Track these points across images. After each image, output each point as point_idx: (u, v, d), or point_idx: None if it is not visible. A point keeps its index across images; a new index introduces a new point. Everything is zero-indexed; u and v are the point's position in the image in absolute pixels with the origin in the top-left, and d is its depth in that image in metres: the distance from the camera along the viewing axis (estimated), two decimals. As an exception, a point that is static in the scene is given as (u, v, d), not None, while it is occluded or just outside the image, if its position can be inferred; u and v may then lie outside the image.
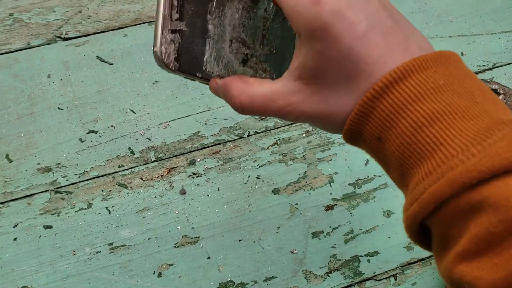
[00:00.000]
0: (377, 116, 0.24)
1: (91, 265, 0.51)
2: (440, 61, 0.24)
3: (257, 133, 0.60)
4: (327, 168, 0.58)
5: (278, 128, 0.60)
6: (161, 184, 0.56)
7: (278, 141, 0.59)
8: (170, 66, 0.27)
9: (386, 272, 0.53)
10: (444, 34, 0.69)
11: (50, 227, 0.52)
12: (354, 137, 0.26)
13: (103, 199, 0.54)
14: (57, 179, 0.55)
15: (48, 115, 0.59)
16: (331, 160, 0.59)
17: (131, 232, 0.53)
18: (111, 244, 0.52)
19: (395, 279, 0.53)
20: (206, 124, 0.60)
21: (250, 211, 0.55)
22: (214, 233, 0.53)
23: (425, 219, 0.23)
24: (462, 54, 0.68)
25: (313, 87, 0.26)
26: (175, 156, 0.57)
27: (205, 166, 0.57)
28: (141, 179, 0.56)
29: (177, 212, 0.54)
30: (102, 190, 0.55)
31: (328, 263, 0.53)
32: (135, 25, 0.67)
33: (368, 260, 0.53)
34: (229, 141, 0.59)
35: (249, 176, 0.57)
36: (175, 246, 0.52)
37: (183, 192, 0.55)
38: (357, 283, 0.52)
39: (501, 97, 0.58)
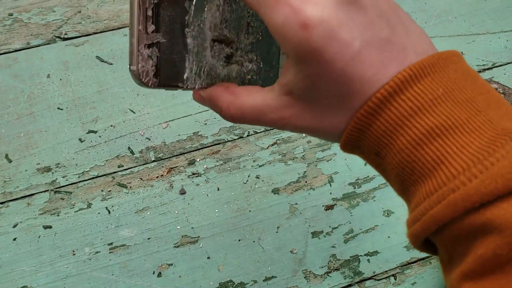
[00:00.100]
0: (373, 133, 0.23)
1: (91, 265, 0.51)
2: (438, 65, 0.23)
3: (257, 132, 0.60)
4: (327, 168, 0.58)
5: (277, 127, 0.60)
6: (160, 184, 0.56)
7: (277, 141, 0.59)
8: (149, 84, 0.25)
9: (386, 271, 0.53)
10: (444, 33, 0.69)
11: (50, 227, 0.52)
12: (352, 150, 0.25)
13: (103, 199, 0.54)
14: (56, 179, 0.55)
15: (48, 115, 0.59)
16: (331, 159, 0.59)
17: (131, 232, 0.53)
18: (111, 244, 0.52)
19: (395, 279, 0.53)
20: (205, 124, 0.60)
21: (249, 211, 0.55)
22: (213, 233, 0.53)
23: (428, 237, 0.23)
24: (462, 53, 0.68)
25: (305, 103, 0.24)
26: (174, 156, 0.57)
27: (205, 166, 0.57)
28: (141, 179, 0.56)
29: (176, 212, 0.54)
30: (102, 190, 0.55)
31: (328, 263, 0.53)
32: (134, 25, 0.67)
33: (368, 260, 0.53)
34: (228, 141, 0.59)
35: (248, 176, 0.57)
36: (174, 246, 0.52)
37: (182, 192, 0.55)
38: (357, 282, 0.52)
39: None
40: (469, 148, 0.21)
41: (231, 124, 0.60)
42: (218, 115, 0.60)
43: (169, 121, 0.60)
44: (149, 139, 0.58)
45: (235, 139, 0.59)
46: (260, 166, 0.58)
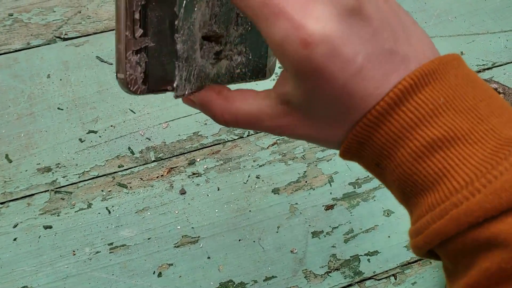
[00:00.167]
0: (373, 145, 0.23)
1: (91, 265, 0.51)
2: (439, 72, 0.22)
3: (257, 132, 0.60)
4: (327, 168, 0.58)
5: (277, 127, 0.60)
6: (161, 184, 0.56)
7: (278, 141, 0.59)
8: (138, 92, 0.24)
9: (386, 271, 0.53)
10: (444, 33, 0.69)
11: (50, 227, 0.52)
12: (352, 159, 0.25)
13: (103, 199, 0.54)
14: (57, 179, 0.55)
15: (48, 115, 0.59)
16: (331, 159, 0.59)
17: (131, 232, 0.53)
18: (111, 244, 0.52)
19: (395, 279, 0.53)
20: (205, 124, 0.60)
21: (250, 210, 0.55)
22: (214, 233, 0.53)
23: (431, 249, 0.23)
24: (461, 53, 0.68)
25: (302, 114, 0.24)
26: (175, 156, 0.57)
27: (205, 166, 0.57)
28: (141, 179, 0.56)
29: (177, 212, 0.54)
30: (102, 190, 0.55)
31: (328, 263, 0.53)
32: (134, 25, 0.67)
33: (368, 260, 0.53)
34: (229, 141, 0.59)
35: (249, 176, 0.57)
36: (175, 246, 0.52)
37: (183, 192, 0.55)
38: (357, 282, 0.52)
39: (500, 96, 0.58)
40: (471, 160, 0.20)
41: (231, 124, 0.60)
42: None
43: (169, 121, 0.60)
44: (149, 139, 0.58)
45: (235, 139, 0.59)
46: (260, 166, 0.58)
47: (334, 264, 0.53)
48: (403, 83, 0.21)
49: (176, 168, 0.57)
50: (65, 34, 0.65)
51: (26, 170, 0.55)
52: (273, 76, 0.60)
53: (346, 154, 0.24)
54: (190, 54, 0.25)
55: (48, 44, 0.64)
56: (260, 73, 0.30)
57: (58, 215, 0.53)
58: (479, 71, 0.66)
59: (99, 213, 0.54)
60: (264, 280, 0.52)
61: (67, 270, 0.50)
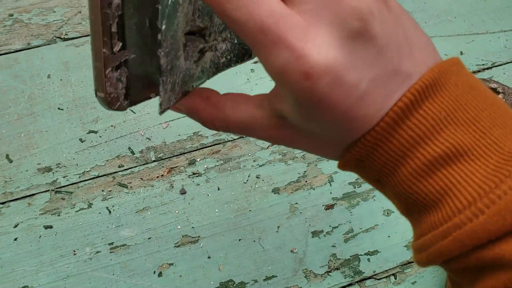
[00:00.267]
0: (372, 163, 0.22)
1: (92, 265, 0.51)
2: (439, 83, 0.21)
3: (257, 132, 0.60)
4: (327, 168, 0.58)
5: (277, 127, 0.60)
6: (161, 184, 0.56)
7: (278, 141, 0.59)
8: (120, 109, 0.23)
9: (386, 271, 0.53)
10: (443, 33, 0.69)
11: (51, 227, 0.53)
12: (351, 171, 0.24)
13: (103, 199, 0.54)
14: (57, 179, 0.55)
15: (48, 116, 0.59)
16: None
17: (131, 232, 0.53)
18: (112, 244, 0.52)
19: (395, 278, 0.53)
20: (206, 124, 0.60)
21: (250, 210, 0.55)
22: (214, 232, 0.53)
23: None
24: (461, 53, 0.68)
25: (298, 131, 0.22)
26: (175, 156, 0.58)
27: (205, 166, 0.57)
28: (141, 179, 0.56)
29: (177, 211, 0.54)
30: (102, 190, 0.55)
31: (328, 262, 0.53)
32: (134, 25, 0.67)
33: (368, 259, 0.53)
34: (229, 140, 0.59)
35: (249, 176, 0.57)
36: (175, 246, 0.52)
37: (183, 192, 0.55)
38: (357, 282, 0.52)
39: (500, 95, 0.58)
40: (474, 178, 0.20)
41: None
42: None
43: (169, 121, 0.60)
44: (150, 139, 0.58)
45: (235, 139, 0.59)
46: (260, 165, 0.58)
47: (334, 263, 0.53)
48: (404, 99, 0.20)
49: (176, 168, 0.57)
50: (66, 34, 0.65)
51: (26, 170, 0.55)
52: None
53: (345, 168, 0.24)
54: (174, 64, 0.23)
55: (49, 44, 0.64)
56: (246, 54, 0.29)
57: (59, 215, 0.53)
58: (479, 71, 0.67)
59: (100, 213, 0.54)
60: (264, 280, 0.52)
61: (67, 270, 0.51)
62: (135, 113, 0.60)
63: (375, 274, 0.53)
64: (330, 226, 0.55)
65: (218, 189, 0.56)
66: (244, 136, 0.59)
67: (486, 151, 0.20)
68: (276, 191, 0.56)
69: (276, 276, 0.52)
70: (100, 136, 0.58)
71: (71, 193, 0.55)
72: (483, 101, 0.21)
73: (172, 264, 0.52)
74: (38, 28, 0.65)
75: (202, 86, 0.27)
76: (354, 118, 0.20)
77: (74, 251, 0.52)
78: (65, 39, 0.65)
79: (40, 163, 0.56)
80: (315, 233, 0.54)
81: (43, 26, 0.65)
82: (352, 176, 0.58)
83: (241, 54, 0.29)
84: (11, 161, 0.56)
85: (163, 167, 0.57)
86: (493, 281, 0.20)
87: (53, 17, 0.66)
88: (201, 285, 0.51)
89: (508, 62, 0.67)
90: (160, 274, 0.51)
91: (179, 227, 0.53)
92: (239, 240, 0.53)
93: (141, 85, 0.23)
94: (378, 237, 0.54)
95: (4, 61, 0.62)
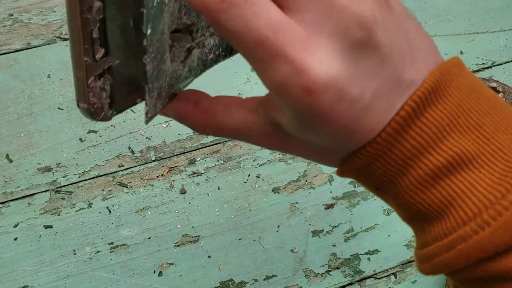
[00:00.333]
0: (373, 173, 0.21)
1: (92, 264, 0.51)
2: (440, 87, 0.20)
3: (257, 132, 0.60)
4: (327, 167, 0.58)
5: (277, 127, 0.60)
6: (161, 184, 0.56)
7: (278, 140, 0.59)
8: (106, 119, 0.21)
9: (387, 270, 0.53)
10: (443, 33, 0.69)
11: (51, 226, 0.53)
12: (351, 178, 0.23)
13: (103, 198, 0.54)
14: (57, 178, 0.55)
15: (48, 115, 0.59)
16: (331, 158, 0.59)
17: (132, 232, 0.53)
18: (112, 243, 0.52)
19: (395, 277, 0.53)
20: (206, 123, 0.60)
21: (250, 210, 0.55)
22: (214, 232, 0.53)
23: None
24: (461, 52, 0.68)
25: (295, 140, 0.21)
26: (175, 155, 0.58)
27: (205, 165, 0.57)
28: (141, 178, 0.56)
29: (177, 211, 0.54)
30: (102, 190, 0.55)
31: (328, 262, 0.53)
32: (134, 25, 0.67)
33: (368, 259, 0.53)
34: (229, 140, 0.59)
35: (249, 175, 0.57)
36: (175, 245, 0.52)
37: (183, 191, 0.55)
38: (357, 281, 0.52)
39: (500, 95, 0.58)
40: (479, 187, 0.19)
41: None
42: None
43: (169, 120, 0.60)
44: (150, 139, 0.58)
45: (235, 139, 0.59)
46: (260, 165, 0.58)
47: (334, 263, 0.53)
48: (406, 108, 0.19)
49: (176, 167, 0.57)
50: (65, 34, 0.65)
51: (26, 170, 0.55)
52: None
53: (344, 176, 0.23)
54: (160, 68, 0.21)
55: (48, 44, 0.64)
56: (234, 48, 0.28)
57: (59, 215, 0.53)
58: (479, 70, 0.67)
59: (100, 212, 0.54)
60: (264, 279, 0.52)
61: (67, 270, 0.51)
62: (135, 112, 0.60)
63: (375, 274, 0.53)
64: (330, 225, 0.55)
65: (218, 189, 0.56)
66: (244, 136, 0.59)
67: (490, 159, 0.19)
68: (276, 190, 0.56)
69: (276, 276, 0.52)
70: (100, 136, 0.58)
71: (71, 192, 0.55)
72: (485, 104, 0.21)
73: (172, 263, 0.52)
74: (38, 28, 0.65)
75: (190, 85, 0.26)
76: (355, 130, 0.19)
77: (74, 250, 0.52)
78: (65, 39, 0.65)
79: (40, 163, 0.56)
80: (315, 233, 0.54)
81: (43, 26, 0.65)
82: (352, 175, 0.58)
83: (230, 48, 0.27)
84: (11, 161, 0.56)
85: (163, 166, 0.57)
86: None
87: (53, 17, 0.66)
88: (201, 284, 0.51)
89: (508, 61, 0.67)
90: (160, 274, 0.51)
91: (179, 226, 0.53)
92: (239, 239, 0.53)
93: (126, 91, 0.22)
94: (378, 237, 0.54)
95: (4, 61, 0.62)
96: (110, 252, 0.52)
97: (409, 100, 0.19)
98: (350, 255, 0.53)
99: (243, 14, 0.17)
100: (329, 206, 0.56)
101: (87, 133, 0.58)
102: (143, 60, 0.20)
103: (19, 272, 0.50)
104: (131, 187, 0.55)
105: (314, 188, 0.57)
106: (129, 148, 0.58)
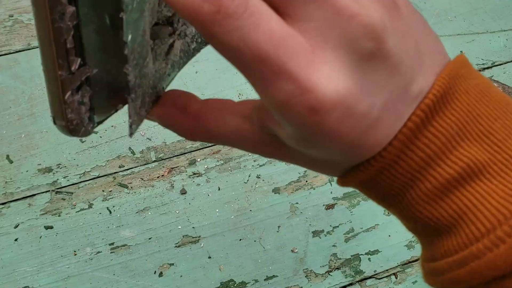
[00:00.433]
0: (376, 185, 0.20)
1: (92, 265, 0.51)
2: (450, 92, 0.18)
3: (257, 132, 0.60)
4: (327, 167, 0.58)
5: (278, 127, 0.60)
6: (161, 184, 0.56)
7: (278, 141, 0.60)
8: (86, 135, 0.20)
9: (387, 270, 0.53)
10: (443, 33, 0.69)
11: (51, 227, 0.53)
12: (352, 187, 0.22)
13: (104, 199, 0.54)
14: (57, 179, 0.55)
15: (49, 116, 0.59)
16: (331, 159, 0.59)
17: (132, 232, 0.53)
18: (112, 244, 0.52)
19: (396, 278, 0.53)
20: (206, 124, 0.60)
21: (250, 210, 0.55)
22: (214, 232, 0.53)
23: None
24: (461, 52, 0.68)
25: (293, 151, 0.20)
26: (175, 156, 0.58)
27: (206, 166, 0.57)
28: (142, 179, 0.56)
29: (177, 211, 0.54)
30: (103, 190, 0.55)
31: (329, 262, 0.53)
32: (134, 25, 0.67)
33: (369, 259, 0.53)
34: (229, 140, 0.59)
35: (249, 176, 0.57)
36: (176, 246, 0.53)
37: (183, 192, 0.55)
38: (357, 281, 0.52)
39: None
40: (491, 200, 0.18)
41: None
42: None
43: (170, 121, 0.60)
44: (150, 139, 0.58)
45: (235, 139, 0.59)
46: (260, 165, 0.58)
47: (335, 263, 0.53)
48: (413, 119, 0.18)
49: (176, 168, 0.57)
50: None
51: (27, 171, 0.55)
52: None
53: (344, 186, 0.22)
54: (142, 74, 0.19)
55: (49, 45, 0.64)
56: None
57: (59, 215, 0.53)
58: (479, 70, 0.67)
59: (100, 213, 0.54)
60: (265, 280, 0.52)
61: (68, 270, 0.51)
62: (135, 113, 0.60)
63: (376, 274, 0.53)
64: (330, 225, 0.55)
65: (219, 189, 0.56)
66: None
67: (502, 168, 0.18)
68: (276, 191, 0.56)
69: (277, 276, 0.52)
70: (101, 137, 0.58)
71: (72, 193, 0.55)
72: (495, 108, 0.19)
73: (172, 264, 0.52)
74: (38, 28, 0.65)
75: (172, 84, 0.24)
76: (360, 145, 0.18)
77: (75, 251, 0.52)
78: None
79: (40, 164, 0.56)
80: (315, 233, 0.54)
81: (43, 26, 0.65)
82: (353, 175, 0.58)
83: None
84: (11, 162, 0.56)
85: (163, 167, 0.57)
86: None
87: (53, 18, 0.66)
88: (201, 285, 0.51)
89: (508, 62, 0.67)
90: (160, 274, 0.51)
91: (179, 227, 0.54)
92: (240, 240, 0.53)
93: (106, 99, 0.20)
94: (379, 237, 0.54)
95: (4, 62, 0.62)
96: (111, 252, 0.52)
97: (417, 109, 0.18)
98: (351, 256, 0.53)
99: (241, 27, 0.15)
100: (330, 207, 0.56)
101: (88, 133, 0.58)
102: (125, 70, 0.18)
103: (20, 273, 0.50)
104: (131, 187, 0.55)
105: (314, 189, 0.57)
106: (130, 148, 0.58)
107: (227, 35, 0.15)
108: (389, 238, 0.55)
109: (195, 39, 0.24)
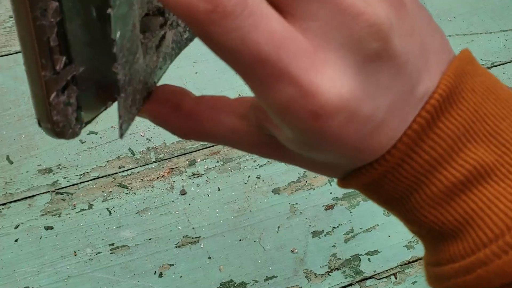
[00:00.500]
0: (379, 188, 0.19)
1: (92, 265, 0.51)
2: (456, 91, 0.18)
3: (257, 133, 0.60)
4: (327, 168, 0.58)
5: (278, 128, 0.61)
6: (161, 185, 0.56)
7: (278, 141, 0.60)
8: (74, 136, 0.18)
9: (387, 270, 0.53)
10: (443, 33, 0.69)
11: (51, 228, 0.53)
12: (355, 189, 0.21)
13: (104, 199, 0.54)
14: (57, 180, 0.55)
15: (49, 117, 0.59)
16: (331, 159, 0.59)
17: (132, 233, 0.53)
18: (112, 244, 0.52)
19: (396, 278, 0.53)
20: (206, 124, 0.60)
21: (250, 211, 0.55)
22: (214, 233, 0.54)
23: None
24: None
25: (290, 152, 0.19)
26: (175, 156, 0.58)
27: (206, 166, 0.57)
28: (142, 179, 0.56)
29: (177, 212, 0.54)
30: (103, 191, 0.55)
31: (329, 262, 0.53)
32: (134, 26, 0.67)
33: (369, 259, 0.53)
34: (229, 141, 0.59)
35: (249, 176, 0.57)
36: (176, 246, 0.53)
37: (183, 193, 0.56)
38: (357, 282, 0.52)
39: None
40: (499, 204, 0.17)
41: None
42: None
43: (170, 122, 0.60)
44: (150, 140, 0.59)
45: (235, 140, 0.59)
46: (260, 166, 0.58)
47: (335, 263, 0.53)
48: (418, 120, 0.17)
49: (176, 168, 0.57)
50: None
51: (27, 171, 0.56)
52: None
53: (345, 188, 0.21)
54: (132, 71, 0.18)
55: (49, 45, 0.64)
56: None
57: (59, 216, 0.53)
58: (479, 71, 0.67)
59: (100, 213, 0.54)
60: (264, 280, 0.52)
61: (68, 271, 0.51)
62: (135, 114, 0.60)
63: (376, 274, 0.53)
64: (330, 226, 0.55)
65: (219, 190, 0.56)
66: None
67: (511, 170, 0.18)
68: (276, 191, 0.56)
69: (277, 276, 0.52)
70: (101, 137, 0.58)
71: (72, 194, 0.55)
72: (502, 107, 0.19)
73: (172, 264, 0.52)
74: (38, 29, 0.65)
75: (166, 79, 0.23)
76: (364, 149, 0.17)
77: (75, 252, 0.52)
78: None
79: (40, 164, 0.56)
80: (315, 233, 0.54)
81: (43, 27, 0.65)
82: (352, 176, 0.58)
83: None
84: (11, 163, 0.56)
85: (163, 167, 0.57)
86: None
87: (53, 19, 0.66)
88: (201, 285, 0.51)
89: (507, 62, 0.67)
90: (160, 275, 0.51)
91: (179, 227, 0.54)
92: (240, 240, 0.53)
93: (95, 97, 0.19)
94: (379, 237, 0.54)
95: (4, 63, 0.63)
96: (111, 253, 0.52)
97: (422, 111, 0.17)
98: (350, 256, 0.53)
99: (239, 27, 0.14)
100: (329, 207, 0.56)
101: (88, 134, 0.58)
102: (113, 69, 0.17)
103: (20, 274, 0.50)
104: (131, 188, 0.55)
105: (314, 189, 0.57)
106: (130, 149, 0.58)
107: (224, 35, 0.14)
108: (388, 238, 0.55)
109: (187, 29, 0.23)
